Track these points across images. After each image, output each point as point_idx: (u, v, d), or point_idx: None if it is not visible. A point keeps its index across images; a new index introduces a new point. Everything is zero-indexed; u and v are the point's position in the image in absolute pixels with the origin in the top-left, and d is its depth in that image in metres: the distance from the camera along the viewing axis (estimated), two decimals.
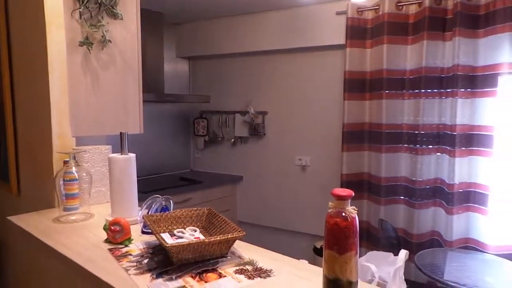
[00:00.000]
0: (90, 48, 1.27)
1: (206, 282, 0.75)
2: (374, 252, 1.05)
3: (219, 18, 3.06)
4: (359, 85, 2.45)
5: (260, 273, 0.80)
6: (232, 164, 3.23)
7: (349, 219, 0.54)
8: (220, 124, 3.24)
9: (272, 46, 2.82)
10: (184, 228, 0.99)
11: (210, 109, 3.28)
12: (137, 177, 1.16)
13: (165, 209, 1.08)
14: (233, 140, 3.18)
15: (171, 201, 1.12)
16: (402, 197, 2.38)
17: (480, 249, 2.19)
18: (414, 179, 2.33)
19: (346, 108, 2.46)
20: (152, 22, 2.88)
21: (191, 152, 3.49)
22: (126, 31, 1.46)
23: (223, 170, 3.28)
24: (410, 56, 2.27)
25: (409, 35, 2.26)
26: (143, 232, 1.04)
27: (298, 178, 2.88)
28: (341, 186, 2.52)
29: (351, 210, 0.54)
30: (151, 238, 1.00)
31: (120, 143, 1.15)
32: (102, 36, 1.29)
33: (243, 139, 3.15)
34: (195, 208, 1.04)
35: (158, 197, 1.11)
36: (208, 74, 3.31)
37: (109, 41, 1.34)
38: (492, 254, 2.12)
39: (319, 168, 2.77)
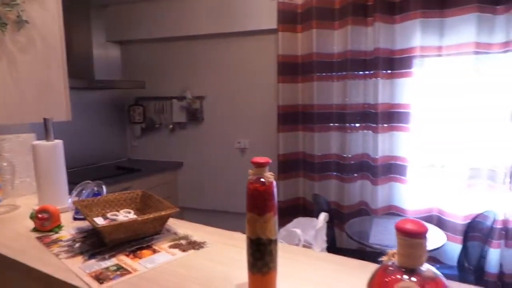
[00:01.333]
0: (3, 29, 1.18)
1: (140, 258, 0.77)
2: (301, 219, 1.15)
3: (150, 1, 2.96)
4: (291, 69, 2.55)
5: (194, 245, 0.84)
6: (171, 151, 3.20)
7: (267, 184, 0.59)
8: (157, 110, 3.18)
9: (205, 31, 2.80)
10: (118, 211, 0.99)
11: (146, 95, 3.19)
12: (71, 168, 1.12)
13: (97, 194, 1.07)
14: (171, 126, 3.14)
15: (103, 186, 1.11)
16: (334, 173, 2.55)
17: (401, 214, 2.44)
18: (344, 155, 2.51)
19: (281, 91, 2.56)
20: (77, 4, 2.70)
21: (127, 140, 3.38)
22: (45, 11, 1.37)
23: (162, 157, 3.23)
24: (337, 41, 2.41)
25: (335, 21, 2.40)
26: (74, 219, 1.02)
27: (238, 161, 2.94)
28: (278, 166, 2.64)
29: (269, 176, 0.60)
30: (84, 224, 0.98)
31: (44, 130, 1.10)
32: (18, 16, 1.21)
33: (181, 125, 3.12)
34: (129, 191, 1.04)
35: (89, 182, 1.09)
36: (142, 59, 3.20)
37: (26, 21, 1.26)
38: (411, 217, 2.39)
39: (258, 150, 2.86)
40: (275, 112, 2.62)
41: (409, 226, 0.48)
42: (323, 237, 1.09)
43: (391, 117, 2.39)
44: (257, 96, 2.80)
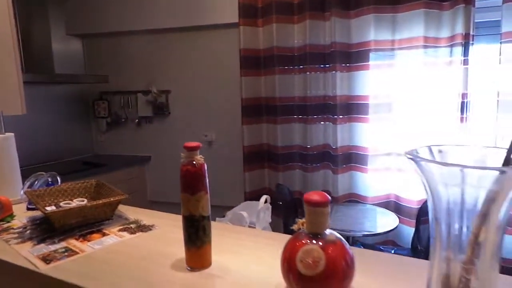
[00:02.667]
0: None
1: (89, 241, 0.81)
2: (248, 202, 1.22)
3: None
4: (254, 62, 2.61)
5: (143, 228, 0.89)
6: (138, 145, 3.20)
7: (197, 166, 0.65)
8: (122, 104, 3.16)
9: (168, 24, 2.82)
10: (72, 200, 1.02)
11: (110, 89, 3.17)
12: (35, 164, 1.13)
13: (51, 185, 1.09)
14: (137, 120, 3.14)
15: (58, 177, 1.13)
16: (297, 163, 2.65)
17: (361, 201, 2.57)
18: (306, 146, 2.61)
19: (244, 84, 2.62)
20: None
21: (93, 135, 3.35)
22: None
23: (129, 151, 3.23)
24: (296, 35, 2.49)
25: (294, 15, 2.47)
26: (28, 209, 1.04)
27: (206, 153, 2.92)
28: (244, 158, 2.70)
29: (199, 159, 0.66)
30: (36, 213, 1.01)
31: None
32: None
33: (147, 119, 3.13)
34: (83, 181, 1.08)
35: (43, 174, 1.11)
36: (105, 53, 3.17)
37: None
38: (370, 204, 2.52)
39: (224, 142, 2.92)
40: (239, 105, 2.68)
41: (314, 197, 0.55)
42: (266, 217, 1.17)
43: (350, 108, 2.50)
44: (222, 89, 2.85)
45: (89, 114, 3.28)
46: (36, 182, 1.07)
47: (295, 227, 0.58)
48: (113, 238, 0.83)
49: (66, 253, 0.75)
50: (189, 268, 0.68)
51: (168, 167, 3.11)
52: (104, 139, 3.31)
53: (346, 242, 0.57)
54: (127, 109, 3.15)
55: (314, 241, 0.55)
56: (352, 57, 2.42)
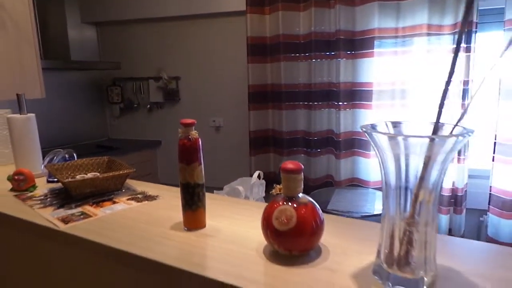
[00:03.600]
0: None
1: (101, 207, 0.93)
2: (244, 178, 1.32)
3: None
4: (260, 50, 2.68)
5: (148, 198, 1.00)
6: (149, 130, 3.33)
7: (192, 140, 0.75)
8: (134, 90, 3.28)
9: (178, 12, 2.90)
10: (86, 174, 1.14)
11: (123, 76, 3.29)
12: (50, 147, 1.24)
13: (68, 160, 1.21)
14: (148, 106, 3.26)
15: (74, 154, 1.25)
16: (301, 148, 2.73)
17: (363, 185, 2.65)
18: (310, 131, 2.69)
19: (250, 71, 2.69)
20: None
21: (107, 120, 3.50)
22: None
23: (141, 136, 3.36)
24: (302, 22, 2.54)
25: (300, 3, 2.52)
26: (48, 181, 1.17)
27: (214, 138, 3.09)
28: (250, 143, 2.80)
29: (194, 134, 0.76)
30: (56, 185, 1.13)
31: (18, 104, 1.23)
32: None
33: (159, 105, 3.25)
34: (96, 157, 1.19)
35: (60, 150, 1.23)
36: (118, 40, 3.28)
37: None
38: (372, 188, 2.60)
39: (231, 128, 3.02)
40: (246, 92, 2.77)
41: (289, 166, 0.65)
42: (259, 192, 1.26)
43: (354, 95, 2.56)
44: (230, 76, 2.93)
45: (103, 100, 3.42)
46: (55, 158, 1.19)
47: (273, 191, 0.68)
48: (122, 205, 0.95)
49: (81, 216, 0.87)
50: (186, 229, 0.78)
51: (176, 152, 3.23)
52: (117, 123, 3.45)
53: (318, 206, 0.67)
54: (139, 95, 3.28)
55: (288, 203, 0.64)
56: (357, 44, 2.47)
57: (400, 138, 0.51)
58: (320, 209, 0.66)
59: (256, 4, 2.60)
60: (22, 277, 1.01)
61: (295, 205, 0.64)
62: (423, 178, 0.52)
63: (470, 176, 2.38)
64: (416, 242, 0.55)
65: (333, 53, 2.52)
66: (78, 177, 1.10)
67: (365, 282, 0.58)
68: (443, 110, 0.52)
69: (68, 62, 2.88)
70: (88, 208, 0.92)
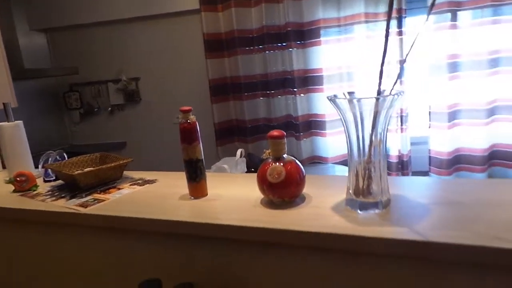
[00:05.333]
0: None
1: (110, 194, 1.06)
2: (227, 158, 1.49)
3: None
4: (217, 45, 2.83)
5: (149, 182, 1.14)
6: (113, 133, 3.36)
7: (191, 123, 0.91)
8: (93, 94, 3.29)
9: (131, 14, 2.96)
10: (83, 170, 1.24)
11: (80, 81, 3.28)
12: None
13: (60, 160, 1.31)
14: (110, 109, 3.29)
15: (64, 154, 1.34)
16: (264, 134, 2.94)
17: (323, 162, 2.92)
18: (270, 118, 2.90)
19: (209, 66, 2.84)
20: None
21: (67, 127, 3.46)
22: None
23: (105, 139, 3.38)
24: (254, 18, 2.73)
25: None
26: (45, 181, 1.26)
27: (178, 135, 3.20)
28: (215, 134, 2.96)
29: (192, 118, 0.92)
30: (54, 183, 1.23)
31: (5, 113, 1.29)
32: None
33: (120, 107, 3.29)
34: (89, 155, 1.30)
35: (52, 152, 1.32)
36: (72, 45, 3.26)
37: None
38: (331, 163, 2.88)
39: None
40: (207, 86, 2.91)
41: (275, 133, 0.83)
42: (242, 167, 1.45)
43: (307, 81, 2.80)
44: (189, 73, 3.06)
45: (61, 107, 3.38)
46: (50, 159, 1.28)
47: (263, 156, 0.86)
48: (127, 190, 1.08)
49: (96, 201, 1.00)
50: (192, 198, 0.95)
51: (143, 151, 3.31)
52: (78, 129, 3.43)
53: (299, 163, 0.86)
54: (98, 99, 3.29)
55: (277, 162, 0.83)
56: (305, 35, 2.71)
57: (355, 101, 0.72)
58: (301, 165, 0.86)
59: (209, 2, 2.74)
60: (46, 274, 1.11)
61: (282, 163, 0.83)
62: (373, 127, 0.73)
63: (412, 143, 2.73)
64: (374, 176, 0.77)
65: (284, 44, 2.74)
66: (77, 172, 1.21)
67: (341, 211, 0.79)
68: (382, 81, 0.74)
69: (22, 71, 2.83)
70: (97, 196, 1.05)
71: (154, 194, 1.02)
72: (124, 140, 3.35)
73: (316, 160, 2.94)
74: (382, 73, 0.73)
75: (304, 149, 2.87)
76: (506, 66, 2.41)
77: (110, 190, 1.09)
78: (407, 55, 0.68)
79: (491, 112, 2.50)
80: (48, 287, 1.11)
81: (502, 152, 2.56)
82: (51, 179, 1.25)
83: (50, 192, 1.12)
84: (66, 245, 1.03)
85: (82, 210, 0.94)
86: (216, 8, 2.78)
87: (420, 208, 0.76)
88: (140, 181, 1.15)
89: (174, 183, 1.10)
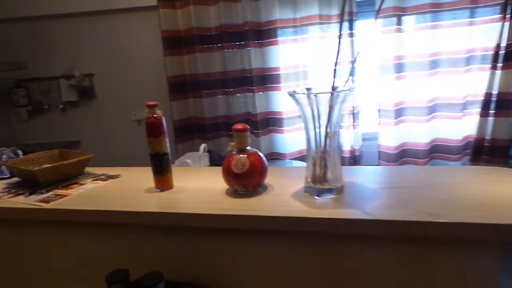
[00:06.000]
0: None
1: (72, 189, 1.05)
2: (190, 153, 1.52)
3: None
4: (175, 42, 2.82)
5: (112, 177, 1.14)
6: (65, 131, 3.22)
7: (157, 117, 0.94)
8: (43, 91, 3.13)
9: (85, 8, 2.86)
10: (41, 166, 1.22)
11: (28, 76, 3.11)
12: None
13: (14, 157, 1.26)
14: (62, 106, 3.15)
15: (18, 151, 1.30)
16: (224, 131, 2.98)
17: (281, 157, 3.02)
18: (230, 115, 2.94)
19: (168, 64, 2.83)
20: None
21: (13, 126, 3.27)
22: None
23: (56, 138, 3.23)
24: (212, 16, 2.75)
25: None
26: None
27: (136, 132, 3.15)
28: (174, 132, 2.95)
29: (158, 113, 0.95)
30: (9, 181, 1.19)
31: None
32: None
33: (73, 104, 3.16)
34: (47, 151, 1.27)
35: (5, 149, 1.27)
36: (19, 39, 3.08)
37: None
38: (288, 159, 2.98)
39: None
40: (165, 83, 2.89)
41: (239, 127, 0.89)
42: (206, 162, 1.48)
43: (265, 79, 2.87)
44: (147, 70, 3.01)
45: (6, 104, 3.18)
46: (3, 156, 1.24)
47: (228, 148, 0.91)
48: (90, 185, 1.08)
49: (58, 197, 0.99)
50: (158, 190, 0.97)
51: (99, 149, 3.19)
52: (26, 128, 3.25)
53: (262, 155, 0.92)
54: (49, 95, 3.13)
55: (241, 154, 0.89)
56: (263, 34, 2.78)
57: (312, 96, 0.79)
58: (264, 157, 0.92)
59: None
60: (10, 272, 1.07)
61: (246, 155, 0.89)
62: (329, 120, 0.81)
63: (363, 139, 2.91)
64: (329, 165, 0.85)
65: (243, 42, 2.79)
66: (47, 165, 1.18)
67: (300, 197, 0.86)
68: (333, 81, 0.82)
69: None
70: (59, 191, 1.04)
71: (119, 188, 1.03)
72: (78, 138, 3.23)
73: (274, 157, 3.03)
74: (335, 71, 0.81)
75: (263, 146, 2.95)
76: (444, 68, 2.65)
77: (72, 185, 1.08)
78: (356, 55, 0.76)
79: (432, 109, 2.74)
80: (13, 286, 1.07)
81: (441, 146, 2.81)
82: (5, 176, 1.21)
83: (6, 190, 1.09)
84: (29, 242, 1.01)
85: (45, 205, 0.93)
86: (174, 5, 2.77)
87: (369, 192, 0.86)
88: (103, 177, 1.15)
89: (139, 177, 1.11)
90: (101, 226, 0.93)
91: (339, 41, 0.76)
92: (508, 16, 2.41)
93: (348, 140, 2.84)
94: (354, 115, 2.80)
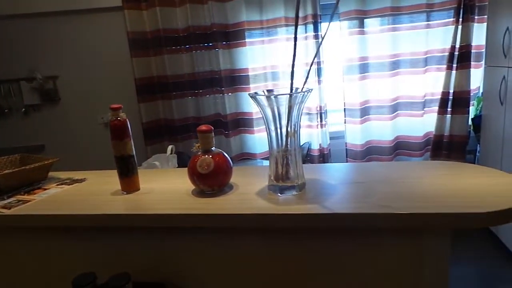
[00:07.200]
0: None
1: (35, 194, 1.03)
2: (158, 155, 1.52)
3: None
4: (142, 44, 2.79)
5: (77, 181, 1.13)
6: (28, 135, 3.11)
7: (122, 120, 0.94)
8: (3, 94, 3.01)
9: (47, 8, 2.78)
10: (1, 172, 1.18)
11: None
12: None
13: None
14: (23, 109, 3.04)
15: None
16: (193, 133, 2.98)
17: (252, 158, 3.06)
18: (200, 116, 2.95)
19: (135, 65, 2.80)
20: None
21: None
22: None
23: (18, 142, 3.11)
24: (179, 17, 2.75)
25: None
26: None
27: (104, 135, 3.09)
28: (144, 134, 2.92)
29: (122, 115, 0.95)
30: None
31: None
32: None
33: (35, 107, 3.05)
34: (6, 156, 1.24)
35: None
36: None
37: None
38: (259, 159, 3.02)
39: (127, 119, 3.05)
40: (133, 85, 2.86)
41: (203, 128, 0.91)
42: (173, 164, 1.49)
43: (234, 80, 2.90)
44: (114, 71, 2.96)
45: None
46: None
47: (193, 149, 0.93)
48: (55, 190, 1.07)
49: (20, 202, 0.97)
50: (124, 192, 0.98)
51: (64, 153, 3.12)
52: None
53: (227, 155, 0.95)
54: (10, 99, 3.01)
55: (206, 155, 0.91)
56: (230, 36, 2.81)
57: (272, 97, 0.83)
58: (229, 157, 0.95)
59: (132, 0, 2.69)
60: None
61: (211, 155, 0.91)
62: (288, 120, 0.84)
63: (331, 138, 3.00)
64: (291, 163, 0.88)
65: (211, 44, 2.81)
66: (7, 171, 1.15)
67: (264, 195, 0.89)
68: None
69: None
70: (21, 197, 1.02)
71: (85, 192, 1.02)
72: (42, 143, 3.12)
73: (245, 157, 3.06)
74: (293, 73, 0.85)
75: (234, 147, 2.97)
76: (405, 68, 2.78)
77: (35, 191, 1.06)
78: (315, 56, 0.81)
79: (395, 108, 2.87)
80: None
81: (404, 143, 2.94)
82: None
83: None
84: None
85: (6, 212, 0.91)
86: (140, 6, 2.74)
87: (330, 188, 0.90)
88: (68, 181, 1.14)
89: (105, 180, 1.11)
90: (66, 230, 0.92)
91: (295, 44, 0.79)
92: (460, 19, 2.56)
93: (317, 139, 2.92)
94: (322, 114, 2.88)
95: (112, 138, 0.94)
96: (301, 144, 2.81)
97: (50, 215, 0.88)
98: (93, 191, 1.02)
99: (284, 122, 0.85)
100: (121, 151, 0.95)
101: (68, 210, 0.89)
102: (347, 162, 3.02)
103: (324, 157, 2.99)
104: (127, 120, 0.95)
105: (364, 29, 2.73)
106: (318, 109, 2.87)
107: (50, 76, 2.97)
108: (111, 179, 1.10)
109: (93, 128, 3.07)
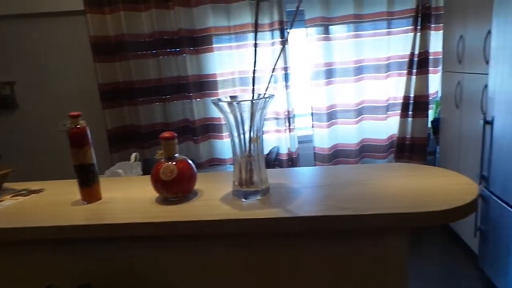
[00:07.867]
0: None
1: None
2: (122, 162, 1.49)
3: None
4: (106, 49, 2.73)
5: (34, 192, 1.08)
6: None
7: (81, 127, 0.92)
8: None
9: (6, 11, 2.66)
10: None
11: None
12: None
13: None
14: None
15: None
16: None
17: (221, 163, 3.04)
18: (167, 122, 2.91)
19: (99, 70, 2.72)
20: None
21: None
22: None
23: None
24: (145, 22, 2.71)
25: (140, 4, 2.68)
26: None
27: (66, 143, 2.96)
28: (109, 141, 2.84)
29: (82, 123, 0.92)
30: None
31: None
32: None
33: None
34: None
35: None
36: None
37: None
38: (229, 164, 3.01)
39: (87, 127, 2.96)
40: (97, 91, 2.78)
41: (166, 135, 0.90)
42: (137, 171, 1.46)
43: (202, 86, 2.89)
44: (76, 77, 2.87)
45: None
46: None
47: (156, 156, 0.92)
48: (9, 201, 1.01)
49: None
50: (85, 202, 0.95)
51: (22, 163, 2.97)
52: None
53: (191, 162, 0.94)
54: None
55: (169, 162, 0.90)
56: (198, 41, 2.80)
57: (235, 103, 0.83)
58: (192, 163, 0.94)
59: (94, 4, 2.63)
60: None
61: (174, 162, 0.90)
62: (251, 126, 0.85)
63: (299, 142, 3.04)
64: (254, 168, 0.89)
65: (178, 49, 2.78)
66: None
67: (229, 200, 0.89)
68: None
69: None
70: None
71: (43, 203, 0.98)
72: None
73: (215, 162, 3.05)
74: (254, 79, 0.86)
75: (203, 152, 2.95)
76: (368, 73, 2.88)
77: None
78: (276, 61, 0.82)
79: (359, 112, 2.96)
80: None
81: (369, 146, 3.04)
82: None
83: None
84: None
85: None
86: (103, 11, 2.67)
87: (293, 192, 0.92)
88: (24, 192, 1.08)
89: (64, 191, 1.07)
90: (23, 244, 0.88)
91: (255, 50, 0.80)
92: (419, 27, 2.69)
93: (285, 143, 2.96)
94: (290, 119, 2.92)
95: (72, 147, 0.91)
96: (270, 148, 2.84)
97: (3, 228, 0.83)
98: (51, 202, 0.98)
99: (247, 127, 0.86)
100: (80, 159, 0.92)
101: (22, 223, 0.85)
102: (315, 165, 3.07)
103: (293, 161, 3.03)
104: (87, 127, 0.93)
105: (330, 35, 2.81)
106: (286, 113, 2.91)
107: (6, 82, 2.83)
108: (71, 189, 1.06)
109: (54, 135, 2.95)
